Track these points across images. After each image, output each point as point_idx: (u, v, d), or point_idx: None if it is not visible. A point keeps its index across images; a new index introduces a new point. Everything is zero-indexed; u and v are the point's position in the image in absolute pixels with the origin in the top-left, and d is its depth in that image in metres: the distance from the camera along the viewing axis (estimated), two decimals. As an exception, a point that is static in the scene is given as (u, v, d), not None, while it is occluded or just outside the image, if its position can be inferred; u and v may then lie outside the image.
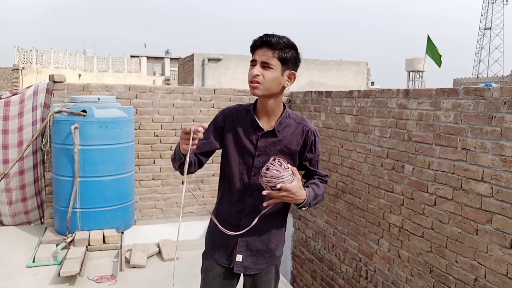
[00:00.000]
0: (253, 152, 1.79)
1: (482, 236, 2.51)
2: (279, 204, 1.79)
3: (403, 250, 3.22)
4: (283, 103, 1.83)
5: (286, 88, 1.78)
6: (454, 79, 42.32)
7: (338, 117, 4.09)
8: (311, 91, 4.67)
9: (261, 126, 1.79)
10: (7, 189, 4.38)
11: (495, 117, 2.40)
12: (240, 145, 1.81)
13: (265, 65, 1.69)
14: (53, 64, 20.53)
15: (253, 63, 1.73)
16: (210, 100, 4.84)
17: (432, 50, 17.15)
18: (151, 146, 4.65)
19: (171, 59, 28.68)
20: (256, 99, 1.82)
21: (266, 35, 1.71)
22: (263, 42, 1.70)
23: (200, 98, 4.83)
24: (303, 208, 1.77)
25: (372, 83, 40.51)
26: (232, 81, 12.55)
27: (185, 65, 14.56)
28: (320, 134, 4.41)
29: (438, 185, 2.84)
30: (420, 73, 53.03)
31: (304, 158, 1.86)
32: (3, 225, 4.50)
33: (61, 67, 20.51)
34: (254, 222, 1.74)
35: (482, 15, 61.04)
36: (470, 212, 2.58)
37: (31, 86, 4.48)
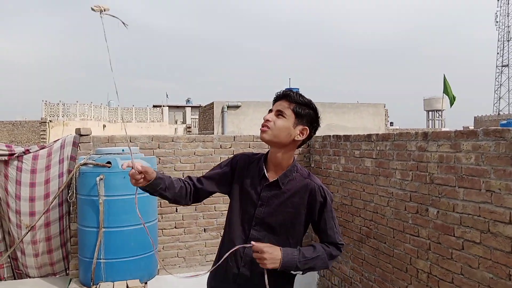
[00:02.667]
0: (256, 202, 1.82)
1: (516, 281, 2.41)
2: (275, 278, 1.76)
3: (433, 298, 3.10)
4: (294, 158, 1.87)
5: (297, 142, 1.82)
6: (475, 117, 41.83)
7: (358, 161, 4.10)
8: (330, 135, 4.71)
9: (267, 176, 1.82)
10: (33, 241, 4.45)
11: (517, 157, 2.37)
12: (244, 193, 1.85)
13: (279, 113, 1.77)
14: (79, 116, 21.36)
15: (269, 112, 1.81)
16: (230, 147, 4.93)
17: (448, 90, 17.20)
18: (173, 195, 4.71)
19: (192, 107, 29.44)
20: (268, 151, 1.88)
21: (288, 89, 1.82)
22: (283, 95, 1.80)
23: (221, 146, 4.92)
24: (298, 272, 1.74)
25: (391, 124, 40.41)
26: (251, 126, 12.75)
27: (206, 113, 14.92)
28: (340, 178, 4.42)
29: (465, 228, 2.77)
30: (440, 112, 52.79)
31: (313, 220, 1.85)
32: (29, 277, 4.54)
33: (86, 119, 21.30)
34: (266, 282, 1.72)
35: (498, 53, 61.16)
36: (501, 256, 2.50)
37: (58, 139, 4.67)
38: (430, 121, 55.79)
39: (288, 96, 1.78)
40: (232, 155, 2.02)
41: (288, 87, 16.47)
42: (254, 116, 13.13)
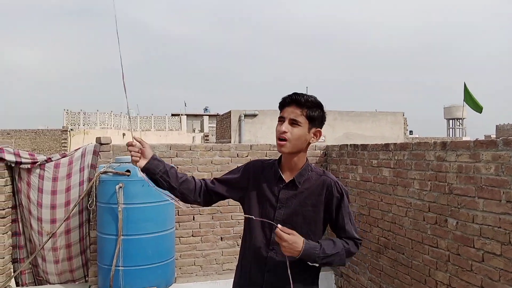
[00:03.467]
0: (275, 204, 1.83)
1: (538, 295, 2.35)
2: (305, 266, 1.77)
3: (453, 310, 3.03)
4: (307, 158, 1.89)
5: (310, 144, 1.84)
6: (497, 126, 40.96)
7: (375, 170, 4.06)
8: (347, 145, 4.69)
9: (283, 177, 1.83)
10: (53, 248, 4.55)
11: (539, 168, 2.33)
12: (262, 197, 1.86)
13: (294, 122, 1.77)
14: (99, 125, 21.78)
15: (281, 119, 1.81)
16: (247, 156, 4.95)
17: (469, 98, 16.91)
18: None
19: (210, 116, 29.68)
20: (281, 155, 1.89)
21: (295, 93, 1.81)
22: (292, 100, 1.79)
23: (237, 154, 4.95)
24: (315, 264, 1.75)
25: (411, 132, 39.85)
26: (268, 135, 12.79)
27: (223, 122, 15.02)
28: (358, 187, 4.39)
29: (485, 240, 2.72)
30: (460, 120, 51.87)
31: (331, 215, 1.85)
32: (49, 283, 4.63)
33: (106, 127, 21.69)
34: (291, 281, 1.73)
35: (521, 60, 60.03)
36: (522, 269, 2.44)
37: (79, 148, 4.77)
38: (451, 130, 54.88)
39: (298, 101, 1.77)
40: (246, 162, 2.04)
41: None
42: (271, 124, 13.17)
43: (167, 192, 1.91)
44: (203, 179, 1.95)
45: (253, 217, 1.80)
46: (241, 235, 2.01)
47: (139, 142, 1.79)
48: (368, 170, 4.20)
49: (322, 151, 5.19)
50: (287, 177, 1.86)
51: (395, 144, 3.75)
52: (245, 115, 13.06)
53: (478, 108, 16.37)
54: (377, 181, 4.04)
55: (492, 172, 2.63)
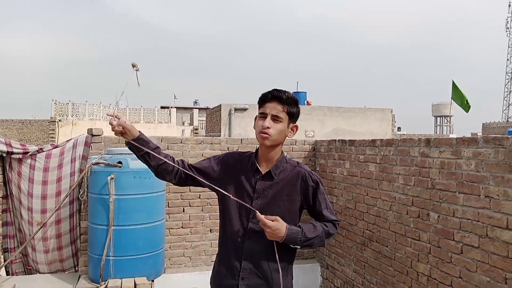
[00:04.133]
0: (252, 194, 1.92)
1: (512, 285, 2.48)
2: (283, 249, 1.87)
3: (433, 300, 3.17)
4: (282, 151, 1.99)
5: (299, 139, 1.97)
6: (483, 124, 41.59)
7: (362, 165, 4.18)
8: (335, 140, 4.80)
9: (259, 169, 1.92)
10: (43, 238, 4.58)
11: (515, 165, 2.45)
12: (240, 187, 1.94)
13: (276, 118, 1.86)
14: (88, 116, 21.61)
15: (263, 115, 1.89)
16: (237, 149, 5.03)
17: (458, 96, 17.15)
18: (181, 195, 4.82)
19: (199, 109, 29.61)
20: (257, 148, 1.98)
21: (276, 90, 1.90)
22: (273, 97, 1.88)
23: (228, 148, 5.02)
24: (296, 247, 1.87)
25: (399, 129, 40.26)
26: (258, 129, 12.85)
27: (213, 115, 15.04)
28: (345, 181, 4.50)
29: (464, 233, 2.84)
30: (448, 118, 52.54)
31: (308, 203, 1.96)
32: (39, 273, 4.67)
33: (95, 119, 21.53)
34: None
35: (508, 59, 60.77)
36: (498, 260, 2.57)
37: (71, 139, 4.80)
38: (438, 127, 55.57)
39: (279, 98, 1.87)
40: (225, 153, 2.12)
41: (296, 90, 16.55)
42: (260, 119, 13.20)
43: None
44: (181, 160, 2.00)
45: (231, 196, 1.89)
46: (218, 227, 2.09)
47: (117, 116, 1.84)
48: (355, 165, 4.31)
49: (311, 146, 5.29)
50: (263, 168, 1.95)
51: (381, 140, 3.86)
52: (235, 109, 13.08)
53: (465, 106, 16.62)
54: (363, 176, 4.16)
55: (473, 168, 2.76)
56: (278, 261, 1.84)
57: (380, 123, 15.09)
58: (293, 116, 1.91)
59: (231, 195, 1.89)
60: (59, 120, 19.72)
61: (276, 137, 1.87)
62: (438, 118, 56.28)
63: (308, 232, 1.86)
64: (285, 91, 1.90)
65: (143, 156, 1.91)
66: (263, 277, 1.90)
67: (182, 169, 1.96)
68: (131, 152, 4.14)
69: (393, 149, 3.64)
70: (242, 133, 12.72)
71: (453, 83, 17.33)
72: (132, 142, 1.86)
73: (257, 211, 1.80)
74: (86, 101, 22.17)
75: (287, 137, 1.96)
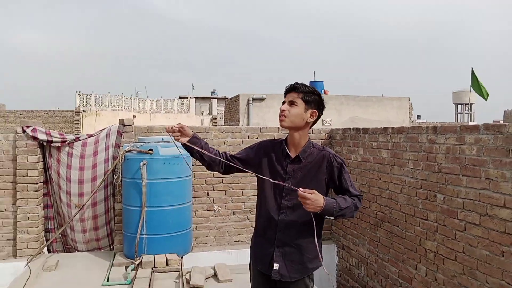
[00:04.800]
0: (284, 176, 2.22)
1: (508, 257, 2.75)
2: (307, 217, 2.13)
3: (439, 274, 3.46)
4: (309, 137, 2.27)
5: (310, 124, 2.22)
6: (505, 111, 40.84)
7: (375, 152, 4.45)
8: (350, 128, 5.07)
9: (289, 154, 2.23)
10: (81, 219, 5.02)
11: (511, 150, 2.70)
12: (273, 170, 2.25)
13: (292, 103, 2.19)
14: (110, 107, 22.22)
15: (284, 103, 2.24)
16: (257, 138, 5.35)
17: (477, 84, 17.04)
18: (205, 180, 5.18)
19: (218, 99, 29.99)
20: (287, 135, 2.28)
21: (295, 83, 2.23)
22: (291, 87, 2.22)
23: (248, 136, 5.35)
24: (331, 218, 2.12)
25: (418, 117, 39.87)
26: (275, 118, 13.07)
27: (231, 105, 15.37)
28: (359, 167, 4.79)
29: (467, 212, 3.12)
30: (469, 105, 51.64)
31: (334, 182, 2.23)
32: (78, 251, 5.12)
33: (117, 109, 22.14)
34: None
35: (532, 45, 59.21)
36: (496, 236, 2.84)
37: (104, 128, 5.20)
38: (459, 115, 54.67)
39: (296, 88, 2.19)
40: (258, 142, 2.44)
41: (313, 80, 16.71)
42: (278, 108, 13.44)
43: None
44: (224, 153, 2.34)
45: (270, 179, 2.19)
46: (255, 204, 2.42)
47: (179, 128, 2.19)
48: (369, 152, 4.58)
49: (327, 134, 5.57)
50: (292, 153, 2.25)
51: (392, 128, 4.12)
52: (253, 99, 13.38)
53: (484, 95, 16.53)
54: (376, 162, 4.43)
55: (474, 153, 3.02)
56: (313, 232, 2.12)
57: (397, 112, 15.19)
58: (309, 103, 2.18)
59: (270, 179, 2.19)
60: (83, 111, 20.37)
61: (292, 118, 2.16)
62: (459, 106, 55.32)
63: (341, 203, 2.11)
64: (302, 83, 2.21)
65: (198, 152, 2.22)
66: (295, 245, 2.20)
67: (225, 161, 2.29)
68: (160, 141, 4.51)
69: (404, 136, 3.91)
70: (260, 122, 13.02)
71: (472, 71, 17.20)
72: (185, 143, 2.20)
73: (299, 189, 2.04)
74: (109, 92, 22.79)
75: (308, 122, 2.20)
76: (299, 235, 2.20)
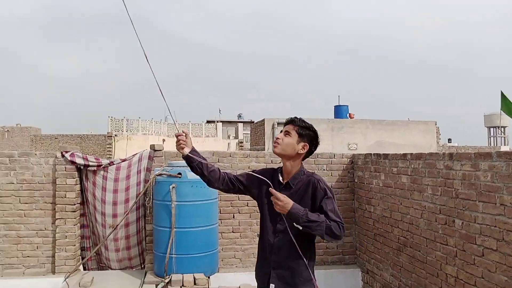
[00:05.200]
0: None
1: (525, 282, 2.81)
2: (297, 241, 2.28)
3: (459, 299, 3.51)
4: (301, 166, 2.44)
5: (301, 155, 2.40)
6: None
7: (395, 177, 4.57)
8: (371, 154, 5.21)
9: (281, 181, 2.43)
10: (115, 239, 5.31)
11: (524, 176, 2.81)
12: (268, 196, 2.39)
13: (287, 133, 2.42)
14: (141, 131, 23.00)
15: (281, 132, 2.47)
16: (280, 162, 5.54)
17: (507, 106, 16.78)
18: (231, 203, 5.40)
19: (244, 122, 30.49)
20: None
21: (294, 117, 2.47)
22: (290, 121, 2.47)
23: (271, 161, 5.56)
24: (298, 226, 2.21)
25: (449, 141, 39.17)
26: (301, 143, 13.30)
27: (257, 129, 15.69)
28: (381, 192, 4.91)
29: (484, 237, 3.20)
30: (502, 128, 50.25)
31: (317, 206, 2.32)
32: (111, 269, 5.40)
33: (147, 133, 22.88)
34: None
35: None
36: (512, 261, 2.91)
37: (136, 153, 5.53)
38: (492, 138, 53.22)
39: (293, 121, 2.43)
40: (262, 168, 2.66)
41: (337, 104, 16.90)
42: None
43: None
44: (225, 172, 2.54)
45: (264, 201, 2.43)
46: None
47: (186, 134, 2.44)
48: (389, 177, 4.70)
49: (349, 159, 5.72)
50: (285, 180, 2.45)
51: (411, 154, 4.25)
52: (278, 123, 13.65)
53: None
54: (397, 187, 4.54)
55: (489, 179, 3.12)
56: (301, 254, 2.28)
57: (424, 136, 15.11)
58: (302, 136, 2.38)
59: (265, 200, 2.41)
60: (115, 135, 21.18)
61: (284, 146, 2.37)
62: (492, 129, 53.86)
63: (310, 215, 2.20)
64: (300, 119, 2.45)
65: (197, 165, 2.43)
66: (288, 268, 2.35)
67: (227, 178, 2.51)
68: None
69: (422, 162, 4.03)
70: (286, 146, 13.22)
71: (502, 93, 17.00)
72: (188, 154, 2.41)
73: (271, 188, 2.25)
74: (139, 117, 23.63)
75: (299, 153, 2.38)
76: (291, 258, 2.34)
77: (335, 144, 14.18)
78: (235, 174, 2.59)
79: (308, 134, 2.41)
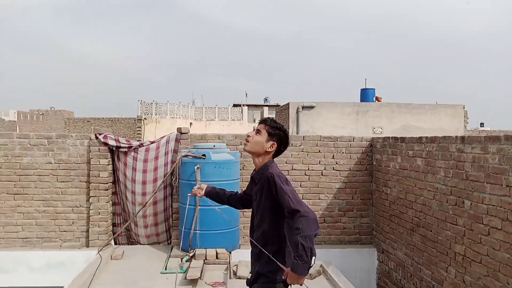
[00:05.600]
0: (255, 198, 2.59)
1: (526, 260, 2.96)
2: (266, 238, 2.45)
3: (467, 276, 3.67)
4: (269, 161, 2.55)
5: (269, 153, 2.54)
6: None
7: (411, 160, 4.70)
8: (389, 137, 5.34)
9: (252, 177, 2.61)
10: (144, 216, 5.68)
11: (529, 159, 2.92)
12: (256, 195, 2.58)
13: (258, 132, 2.58)
14: (169, 115, 23.55)
15: (253, 129, 2.69)
16: (300, 145, 5.75)
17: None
18: (252, 184, 5.66)
19: (269, 106, 30.64)
20: None
21: (266, 117, 2.71)
22: (263, 121, 2.63)
23: (292, 144, 5.76)
24: (310, 266, 2.20)
25: (482, 125, 38.14)
26: (324, 126, 13.39)
27: (282, 113, 15.84)
28: (397, 174, 5.06)
29: (490, 217, 3.33)
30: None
31: (276, 199, 2.40)
32: (140, 244, 5.79)
33: (175, 117, 23.41)
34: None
35: None
36: (515, 239, 3.05)
37: (164, 136, 5.85)
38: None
39: (265, 121, 2.59)
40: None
41: (364, 87, 16.78)
42: (328, 116, 13.72)
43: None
44: (240, 193, 2.85)
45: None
46: None
47: (198, 188, 2.91)
48: (405, 160, 4.84)
49: (368, 142, 5.86)
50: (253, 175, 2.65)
51: (426, 137, 4.37)
52: (303, 107, 13.73)
53: None
54: (412, 169, 4.68)
55: (496, 162, 3.24)
56: (263, 250, 2.42)
57: (451, 119, 14.87)
58: (271, 135, 2.53)
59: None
60: (145, 118, 21.81)
61: (253, 144, 2.54)
62: (526, 113, 51.76)
63: (289, 263, 2.28)
64: (272, 119, 2.62)
65: (215, 199, 2.92)
66: (259, 260, 2.50)
67: (242, 197, 2.80)
68: (212, 147, 5.06)
69: (436, 145, 4.15)
70: (310, 129, 13.36)
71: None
72: (204, 196, 2.88)
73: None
74: (168, 101, 24.15)
75: (267, 151, 2.52)
76: (260, 253, 2.48)
77: (360, 128, 14.17)
78: (243, 191, 2.85)
79: (277, 134, 2.54)
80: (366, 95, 16.38)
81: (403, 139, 4.94)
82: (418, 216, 4.58)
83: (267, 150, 2.54)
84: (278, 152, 2.59)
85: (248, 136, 2.59)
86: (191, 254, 4.74)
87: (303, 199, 5.66)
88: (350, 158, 5.84)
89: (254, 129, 2.67)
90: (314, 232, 2.18)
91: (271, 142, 2.54)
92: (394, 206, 5.14)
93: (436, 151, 4.16)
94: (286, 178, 2.43)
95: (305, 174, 5.76)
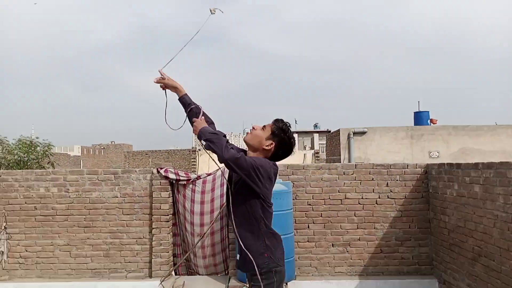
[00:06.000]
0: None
1: None
2: (244, 217, 2.57)
3: (536, 309, 3.50)
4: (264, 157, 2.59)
5: (265, 151, 2.58)
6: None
7: (468, 187, 4.60)
8: (444, 163, 5.25)
9: None
10: (202, 246, 5.91)
11: None
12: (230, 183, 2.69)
13: (263, 127, 2.62)
14: (221, 145, 24.12)
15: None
16: (352, 174, 5.79)
17: None
18: (305, 213, 5.74)
19: (319, 132, 30.55)
20: None
21: (280, 119, 2.64)
22: (274, 120, 2.66)
23: (344, 173, 5.81)
24: (202, 142, 2.48)
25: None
26: (377, 151, 13.20)
27: (333, 139, 15.81)
28: (455, 202, 4.97)
29: (557, 246, 3.20)
30: None
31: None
32: (199, 274, 6.00)
33: (227, 147, 23.95)
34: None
35: None
36: None
37: (219, 168, 6.11)
38: None
39: (276, 120, 2.62)
40: None
41: (417, 110, 16.41)
42: (380, 141, 13.52)
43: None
44: (239, 149, 2.70)
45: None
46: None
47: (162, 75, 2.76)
48: (462, 186, 4.74)
49: (422, 169, 5.78)
50: None
51: (483, 163, 4.28)
52: (354, 133, 13.64)
53: None
54: (470, 196, 4.57)
55: (558, 188, 3.14)
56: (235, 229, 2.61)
57: (514, 140, 14.10)
58: (274, 135, 2.55)
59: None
60: (199, 150, 22.51)
61: (253, 136, 2.58)
62: None
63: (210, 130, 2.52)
64: (282, 121, 2.63)
65: (189, 114, 2.76)
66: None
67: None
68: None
69: (493, 171, 4.06)
70: (362, 156, 13.21)
71: None
72: (179, 99, 2.80)
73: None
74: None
75: (264, 148, 2.55)
76: (240, 234, 2.64)
77: (415, 152, 13.80)
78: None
79: (280, 136, 2.55)
80: (420, 118, 15.98)
81: (458, 165, 4.85)
82: (479, 245, 4.43)
83: (264, 147, 2.55)
84: (276, 156, 2.59)
85: (253, 128, 2.62)
86: (248, 285, 4.85)
87: (357, 228, 5.67)
88: (405, 185, 5.77)
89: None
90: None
91: (270, 141, 2.56)
92: (454, 234, 5.00)
93: (493, 177, 4.07)
94: (268, 170, 2.49)
95: (359, 203, 5.76)
